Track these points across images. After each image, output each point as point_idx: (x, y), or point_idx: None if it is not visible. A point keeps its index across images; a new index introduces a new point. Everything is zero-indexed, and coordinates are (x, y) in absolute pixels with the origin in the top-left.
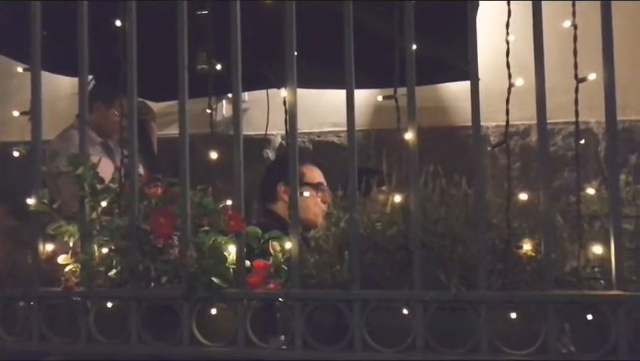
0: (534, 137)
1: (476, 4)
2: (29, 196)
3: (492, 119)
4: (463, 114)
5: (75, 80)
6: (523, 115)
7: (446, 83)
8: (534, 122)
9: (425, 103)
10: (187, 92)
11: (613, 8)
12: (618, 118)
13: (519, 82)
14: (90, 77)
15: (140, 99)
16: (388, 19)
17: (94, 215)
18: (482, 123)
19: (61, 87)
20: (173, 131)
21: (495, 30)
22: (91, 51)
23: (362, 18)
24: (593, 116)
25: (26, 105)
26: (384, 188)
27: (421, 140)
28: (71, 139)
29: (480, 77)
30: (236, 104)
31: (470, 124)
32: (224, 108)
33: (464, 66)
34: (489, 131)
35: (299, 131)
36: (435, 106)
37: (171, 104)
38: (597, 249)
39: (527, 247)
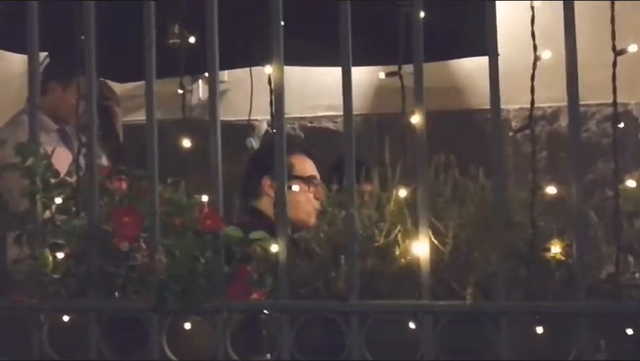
0: (563, 121)
1: None
2: None
3: (514, 100)
4: (480, 95)
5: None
6: (551, 95)
7: (460, 59)
8: (564, 104)
9: (434, 83)
10: (156, 71)
11: None
12: None
13: (545, 55)
14: (44, 53)
15: (101, 80)
16: None
17: (47, 214)
18: (502, 106)
19: (13, 66)
20: (140, 116)
21: None
22: (44, 24)
23: None
24: (633, 97)
25: None
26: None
27: (430, 125)
28: (21, 125)
29: (499, 51)
30: (212, 84)
31: (488, 107)
32: (200, 90)
33: (481, 38)
34: (511, 115)
35: (287, 115)
36: (447, 86)
37: (137, 85)
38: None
39: (555, 249)
